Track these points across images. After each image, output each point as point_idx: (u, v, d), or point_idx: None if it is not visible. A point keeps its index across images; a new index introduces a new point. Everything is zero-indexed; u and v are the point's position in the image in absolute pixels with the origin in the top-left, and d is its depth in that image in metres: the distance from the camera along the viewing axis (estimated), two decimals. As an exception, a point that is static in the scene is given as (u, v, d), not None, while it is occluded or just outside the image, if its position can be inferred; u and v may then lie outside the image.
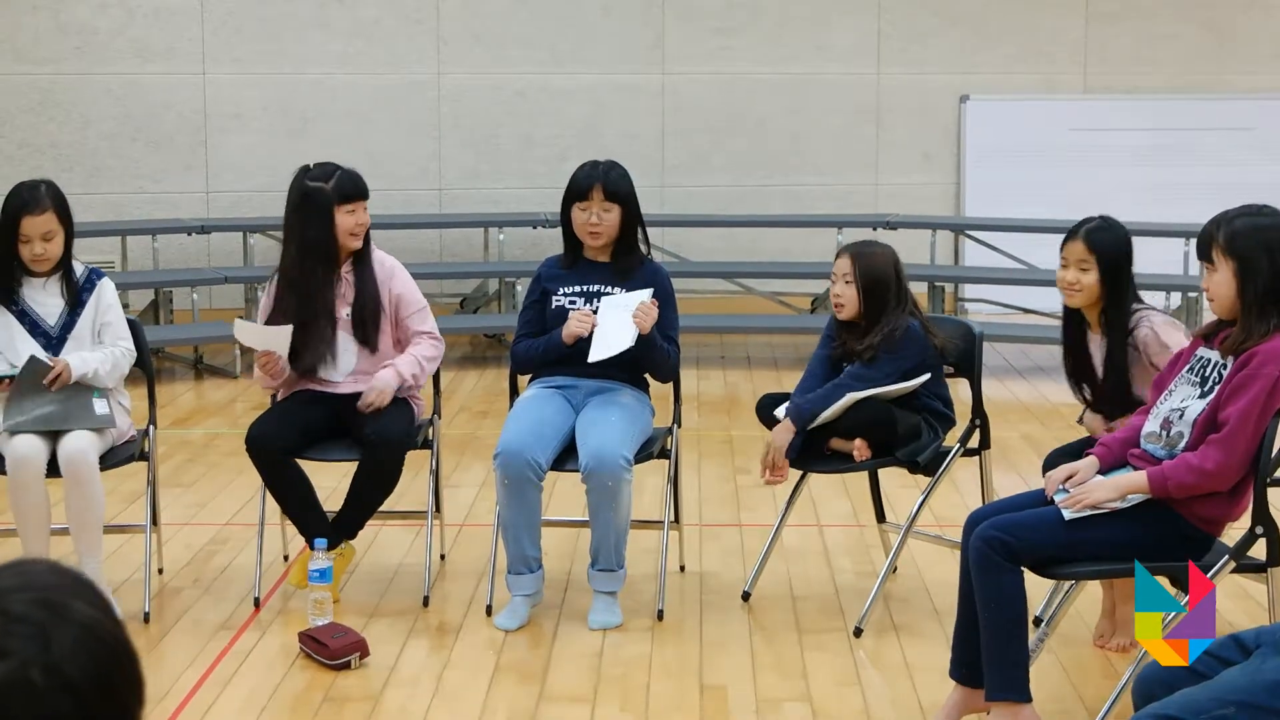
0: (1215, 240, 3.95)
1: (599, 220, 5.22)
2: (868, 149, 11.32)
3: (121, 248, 10.28)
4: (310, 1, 10.81)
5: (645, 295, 5.15)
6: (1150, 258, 9.48)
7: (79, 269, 5.22)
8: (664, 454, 5.27)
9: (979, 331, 5.19)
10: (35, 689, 1.38)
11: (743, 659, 4.77)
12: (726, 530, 6.14)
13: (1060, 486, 4.08)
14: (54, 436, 5.01)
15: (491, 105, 11.01)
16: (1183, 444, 3.97)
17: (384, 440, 5.12)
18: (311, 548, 5.04)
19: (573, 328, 5.15)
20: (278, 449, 5.13)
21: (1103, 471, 4.09)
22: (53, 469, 4.98)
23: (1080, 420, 4.83)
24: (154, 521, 5.39)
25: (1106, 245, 4.57)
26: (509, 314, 9.70)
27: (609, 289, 5.24)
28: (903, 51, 11.25)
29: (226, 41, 10.76)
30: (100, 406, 5.08)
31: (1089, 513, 3.97)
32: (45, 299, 5.16)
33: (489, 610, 5.13)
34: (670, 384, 5.37)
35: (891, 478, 5.55)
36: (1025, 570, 4.01)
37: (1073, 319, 4.72)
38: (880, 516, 5.56)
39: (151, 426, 5.30)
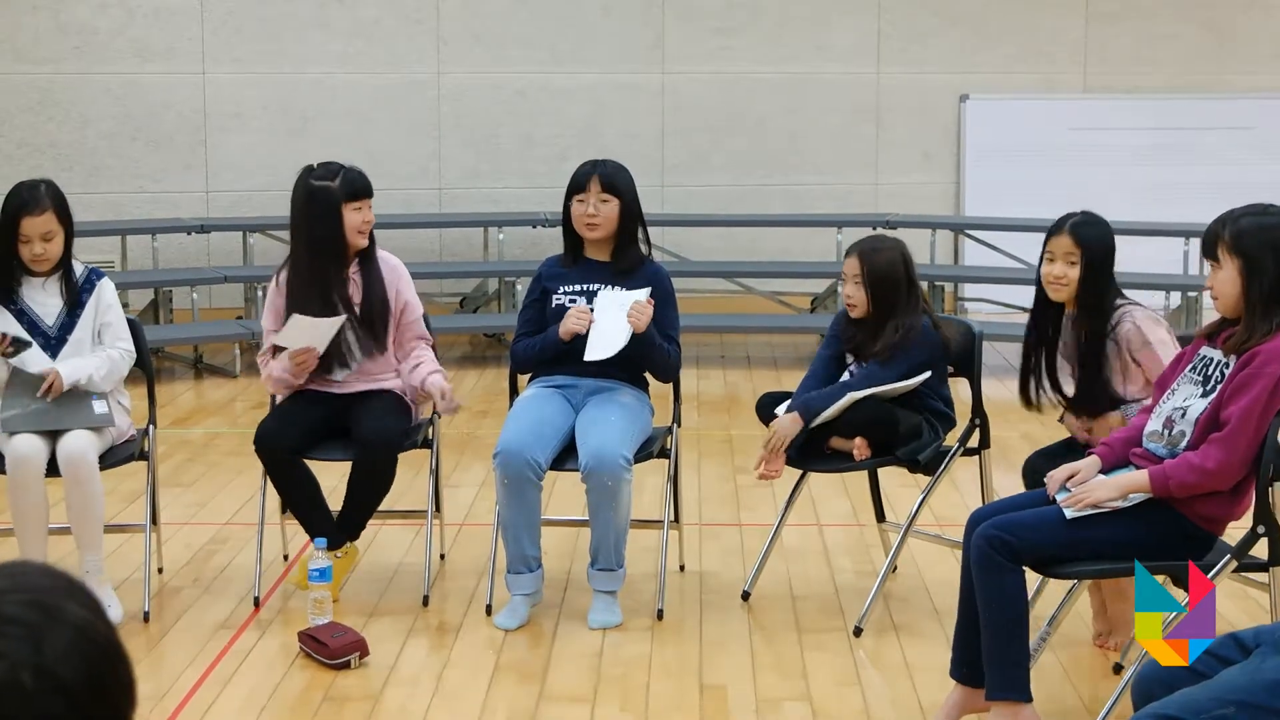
0: (1221, 238, 3.95)
1: (596, 211, 5.22)
2: (867, 148, 11.32)
3: (121, 247, 10.27)
4: (310, 1, 10.81)
5: (642, 294, 5.15)
6: (1150, 257, 9.51)
7: (78, 269, 5.21)
8: (664, 453, 5.26)
9: (979, 331, 5.19)
10: (27, 691, 1.37)
11: (742, 659, 4.77)
12: (726, 530, 6.14)
13: (1062, 486, 4.08)
14: (53, 436, 5.00)
15: (491, 105, 11.01)
16: (1184, 443, 3.97)
17: (378, 440, 5.13)
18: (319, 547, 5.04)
19: (570, 325, 5.15)
20: (286, 448, 5.13)
21: (1105, 471, 4.09)
22: (52, 469, 4.98)
23: (1061, 419, 4.83)
24: (154, 521, 5.39)
25: (1092, 239, 4.57)
26: (509, 313, 9.70)
27: (609, 288, 5.24)
28: (902, 51, 11.25)
29: (226, 41, 10.76)
30: (99, 406, 5.08)
31: (1090, 512, 3.97)
32: (44, 299, 5.15)
33: (489, 610, 5.13)
34: (670, 383, 5.37)
35: (891, 477, 5.55)
36: (1026, 570, 4.01)
37: (1047, 314, 4.71)
38: (880, 516, 5.56)
39: (151, 426, 5.29)
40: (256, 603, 5.23)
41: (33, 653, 1.39)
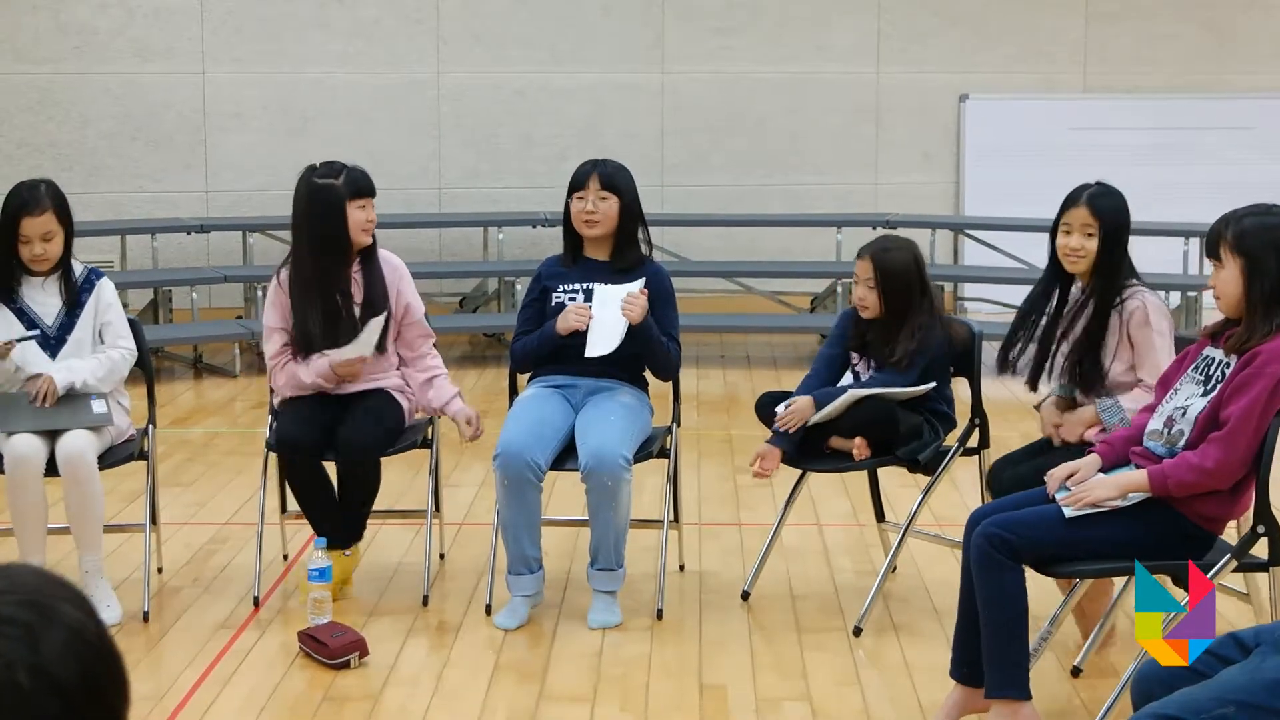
0: (1224, 238, 3.95)
1: (595, 208, 5.21)
2: (867, 148, 11.32)
3: (121, 247, 10.27)
4: (310, 1, 10.81)
5: (635, 286, 5.15)
6: (1150, 257, 9.49)
7: (78, 269, 5.21)
8: (663, 453, 5.26)
9: (978, 331, 5.19)
10: (24, 691, 1.37)
11: (742, 658, 4.77)
12: (726, 529, 6.14)
13: (1062, 484, 4.08)
14: (53, 436, 5.00)
15: (491, 105, 11.01)
16: (1183, 442, 3.97)
17: (356, 448, 5.10)
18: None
19: (570, 322, 5.14)
20: (309, 450, 5.12)
21: (1105, 469, 4.10)
22: (51, 469, 4.97)
23: (1038, 407, 4.82)
24: (153, 521, 5.39)
25: (1109, 211, 4.58)
26: (508, 313, 9.69)
27: (606, 285, 5.23)
28: (902, 51, 11.25)
29: (226, 41, 10.76)
30: (98, 405, 5.08)
31: (1090, 511, 3.97)
32: (44, 299, 5.15)
33: (488, 609, 5.12)
34: (669, 383, 5.37)
35: (891, 477, 5.55)
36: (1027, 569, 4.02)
37: (1053, 286, 4.71)
38: (880, 516, 5.56)
39: (151, 426, 5.29)
40: (256, 603, 5.23)
41: (29, 653, 1.39)
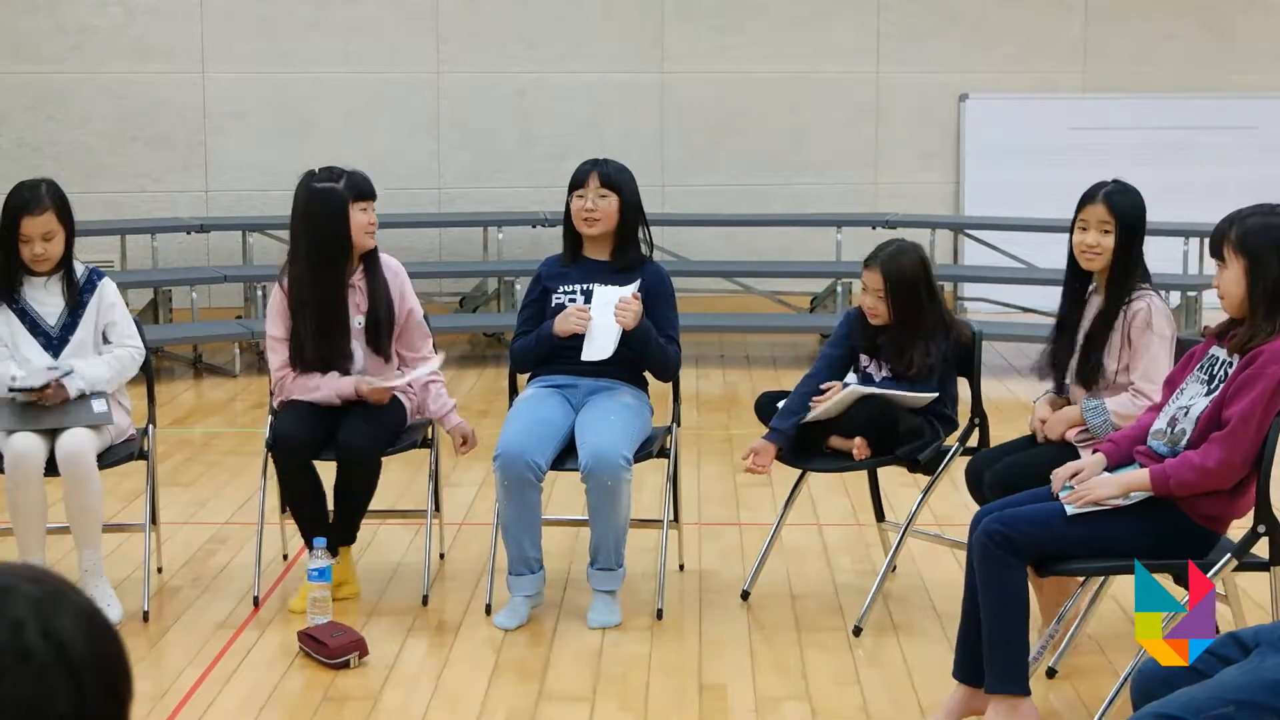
0: (1227, 237, 3.95)
1: (594, 206, 5.21)
2: (867, 148, 11.31)
3: (120, 247, 10.27)
4: (310, 1, 10.81)
5: (628, 291, 5.14)
6: (1150, 257, 9.47)
7: (79, 269, 5.20)
8: (663, 453, 5.26)
9: (978, 331, 5.19)
10: (33, 655, 1.39)
11: (742, 658, 4.77)
12: (726, 529, 6.14)
13: (1065, 483, 4.08)
14: (52, 434, 5.00)
15: (491, 104, 11.01)
16: (1185, 441, 3.98)
17: (355, 450, 5.10)
18: (310, 548, 5.03)
19: (569, 325, 5.14)
20: (304, 452, 5.12)
21: (1110, 468, 4.10)
22: (51, 468, 4.97)
23: (1036, 399, 4.83)
24: (153, 520, 5.38)
25: (1125, 208, 4.59)
26: (508, 313, 9.69)
27: (603, 285, 5.23)
28: (902, 51, 11.24)
29: (226, 41, 10.75)
30: (98, 404, 5.08)
31: (1092, 509, 3.97)
32: (46, 299, 5.15)
33: (488, 609, 5.12)
34: (669, 382, 5.37)
35: (891, 476, 5.55)
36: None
37: (1075, 286, 4.70)
38: (879, 515, 5.56)
39: (151, 425, 5.29)
40: (256, 602, 5.22)
41: (41, 620, 1.41)
